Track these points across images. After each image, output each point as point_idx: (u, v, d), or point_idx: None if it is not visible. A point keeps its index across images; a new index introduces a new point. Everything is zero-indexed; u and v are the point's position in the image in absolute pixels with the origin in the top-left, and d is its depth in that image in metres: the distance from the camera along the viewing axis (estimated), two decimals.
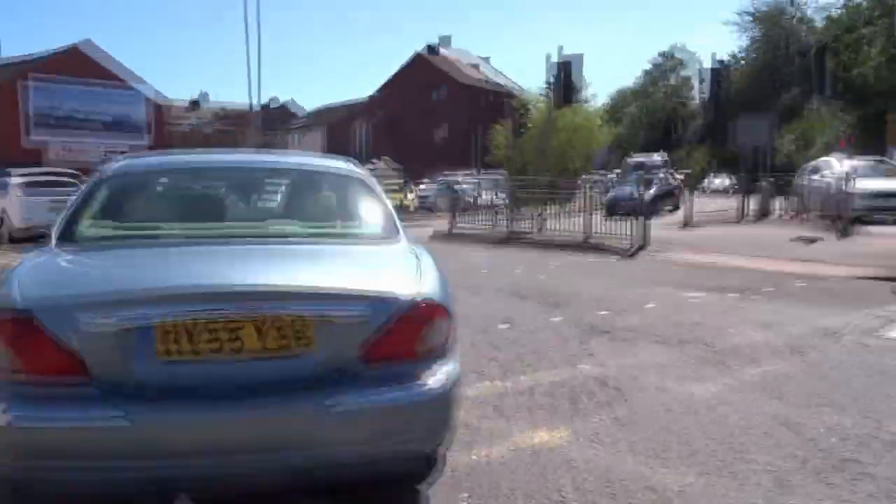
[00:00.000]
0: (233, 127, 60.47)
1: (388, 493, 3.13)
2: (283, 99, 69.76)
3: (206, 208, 3.84)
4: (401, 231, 3.64)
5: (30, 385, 2.53)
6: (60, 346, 2.52)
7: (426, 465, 2.89)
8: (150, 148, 49.13)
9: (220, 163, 4.37)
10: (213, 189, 4.10)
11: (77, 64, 46.29)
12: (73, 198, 3.75)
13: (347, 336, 2.72)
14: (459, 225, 18.65)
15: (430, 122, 62.03)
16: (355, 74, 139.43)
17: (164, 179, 4.14)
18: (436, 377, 2.79)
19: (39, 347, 2.52)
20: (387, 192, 4.22)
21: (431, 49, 69.25)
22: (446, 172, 39.72)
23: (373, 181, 4.06)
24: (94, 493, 2.60)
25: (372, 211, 3.81)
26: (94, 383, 2.54)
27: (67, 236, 3.33)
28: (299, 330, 2.67)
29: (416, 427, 2.77)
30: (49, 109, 46.05)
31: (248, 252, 3.21)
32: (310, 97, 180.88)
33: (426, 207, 32.02)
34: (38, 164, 46.85)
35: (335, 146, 53.67)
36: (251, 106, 29.66)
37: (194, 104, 71.28)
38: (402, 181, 36.94)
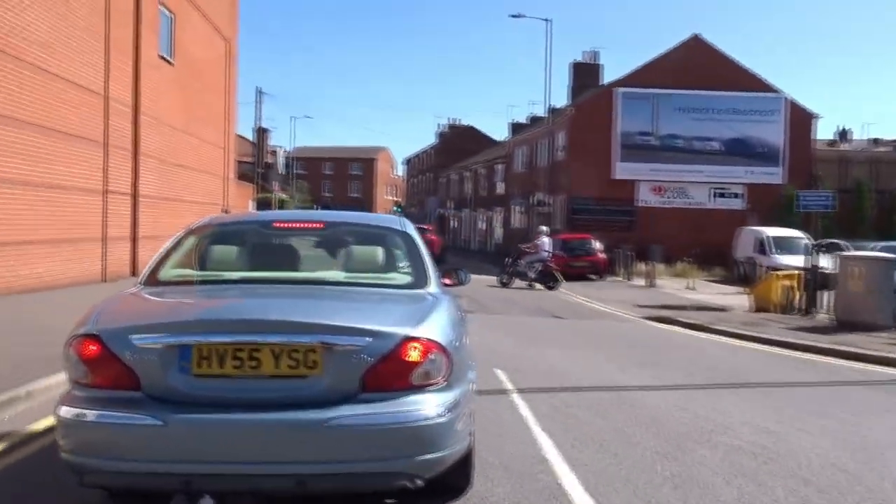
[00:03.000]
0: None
1: None
2: None
3: (267, 258, 4.61)
4: (431, 280, 4.18)
5: (96, 391, 3.22)
6: (120, 361, 3.19)
7: (410, 482, 3.20)
8: (788, 184, 32.47)
9: (287, 220, 5.35)
10: (276, 242, 4.89)
11: (687, 66, 32.64)
12: (164, 246, 4.47)
13: (349, 364, 3.18)
14: None
15: None
16: None
17: (235, 234, 4.86)
18: (427, 407, 3.19)
19: (104, 363, 3.21)
20: None
21: None
22: None
23: (415, 237, 4.57)
24: (131, 485, 3.21)
25: (406, 262, 4.40)
26: (142, 392, 3.17)
27: (149, 279, 4.15)
28: (308, 356, 3.17)
29: (402, 448, 3.15)
30: (640, 133, 33.44)
31: (283, 293, 3.93)
32: None
33: None
34: (629, 205, 35.45)
35: None
36: None
37: (839, 138, 50.74)
38: None
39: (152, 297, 3.91)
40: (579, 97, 37.67)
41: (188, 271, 4.28)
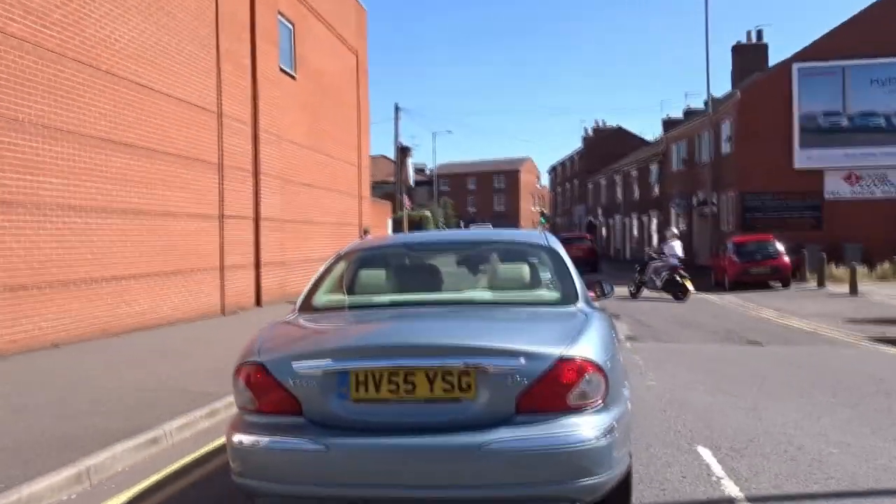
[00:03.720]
0: None
1: None
2: None
3: (413, 280, 4.66)
4: (580, 296, 4.10)
5: (263, 417, 3.35)
6: (283, 388, 3.31)
7: None
8: None
9: (431, 241, 5.45)
10: (422, 264, 4.92)
11: (882, 29, 27.54)
12: (316, 273, 4.64)
13: (504, 386, 3.14)
14: None
15: None
16: None
17: (381, 257, 4.94)
18: (585, 429, 3.10)
19: (269, 390, 3.34)
20: None
21: None
22: None
23: (560, 251, 4.54)
24: None
25: (553, 279, 4.37)
26: (304, 417, 3.29)
27: (305, 306, 4.33)
28: (462, 379, 3.17)
29: (561, 472, 3.05)
30: (826, 114, 28.50)
31: (433, 315, 3.96)
32: None
33: None
34: (815, 198, 30.49)
35: None
36: None
37: None
38: None
39: (308, 324, 4.05)
40: (744, 82, 33.17)
41: (340, 296, 4.45)
